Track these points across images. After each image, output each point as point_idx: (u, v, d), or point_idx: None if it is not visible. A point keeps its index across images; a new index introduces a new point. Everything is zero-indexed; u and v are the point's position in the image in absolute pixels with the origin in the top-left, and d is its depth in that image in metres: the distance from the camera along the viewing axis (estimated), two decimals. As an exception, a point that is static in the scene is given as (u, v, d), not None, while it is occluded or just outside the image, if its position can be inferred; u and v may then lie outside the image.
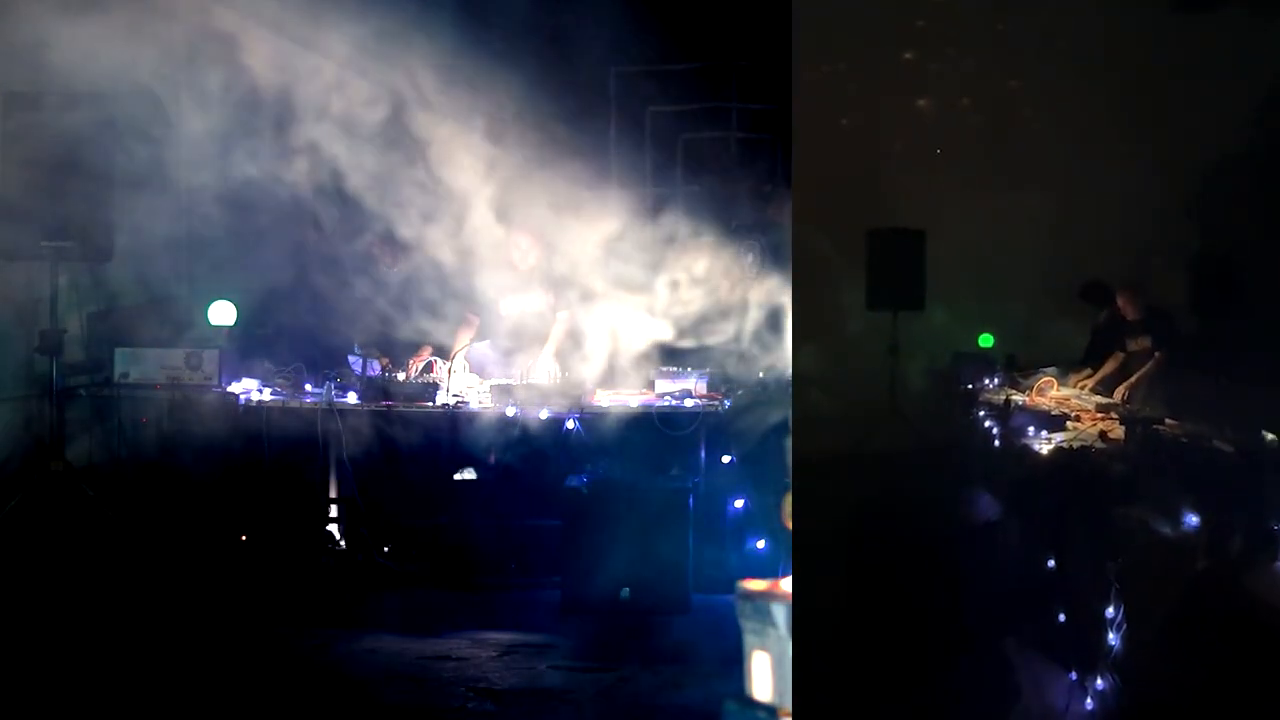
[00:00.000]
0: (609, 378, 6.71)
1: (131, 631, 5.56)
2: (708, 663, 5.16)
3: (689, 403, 6.52)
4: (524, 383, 6.60)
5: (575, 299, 6.82)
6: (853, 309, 6.99)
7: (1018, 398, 6.71)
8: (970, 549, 5.64)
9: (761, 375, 6.56)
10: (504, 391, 6.55)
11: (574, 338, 6.79)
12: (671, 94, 7.94)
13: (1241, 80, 6.50)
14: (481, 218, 6.69)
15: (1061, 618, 4.83)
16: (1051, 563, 5.03)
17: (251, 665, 5.26)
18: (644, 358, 6.70)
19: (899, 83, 7.44)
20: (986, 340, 7.58)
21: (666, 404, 6.53)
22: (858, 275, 7.00)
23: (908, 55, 7.35)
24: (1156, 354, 6.64)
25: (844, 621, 4.74)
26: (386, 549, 6.59)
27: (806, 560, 4.78)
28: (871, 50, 7.07)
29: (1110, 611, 4.21)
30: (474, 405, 6.58)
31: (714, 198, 7.70)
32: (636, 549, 5.94)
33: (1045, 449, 5.60)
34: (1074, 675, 4.56)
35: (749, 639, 2.35)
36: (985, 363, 7.41)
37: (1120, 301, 6.83)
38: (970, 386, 7.26)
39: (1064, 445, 5.52)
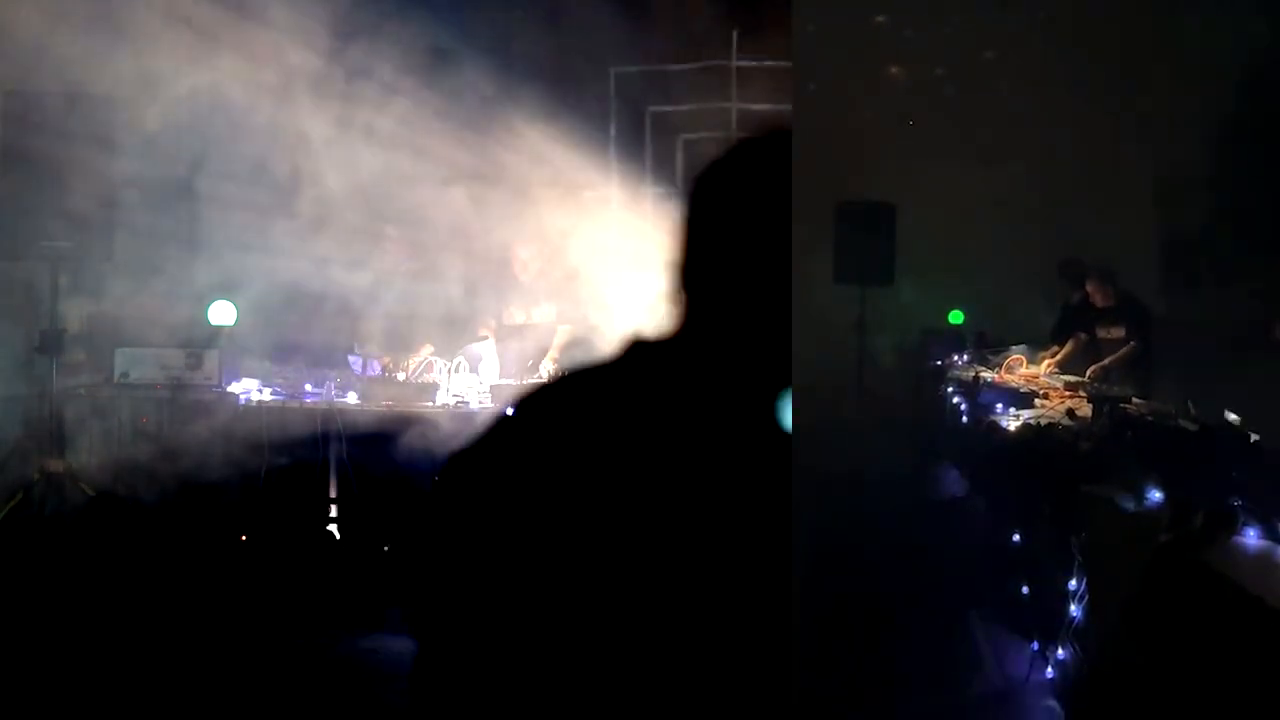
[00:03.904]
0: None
1: (131, 632, 5.56)
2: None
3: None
4: (524, 383, 6.59)
5: (578, 309, 6.82)
6: (822, 284, 6.98)
7: (987, 375, 6.72)
8: (940, 527, 5.67)
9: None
10: (504, 391, 6.55)
11: (577, 347, 6.80)
12: (671, 94, 7.93)
13: (1217, 62, 6.51)
14: (482, 223, 6.69)
15: (1025, 590, 4.87)
16: (1017, 537, 5.08)
17: (252, 666, 5.26)
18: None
19: (869, 49, 7.39)
20: (956, 317, 7.57)
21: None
22: (825, 249, 6.97)
23: (880, 20, 7.31)
24: (1131, 343, 6.64)
25: (844, 620, 4.75)
26: (386, 549, 6.58)
27: (806, 557, 4.79)
28: (841, 15, 7.00)
29: (1073, 584, 4.26)
30: (474, 405, 6.58)
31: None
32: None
33: (1013, 425, 5.63)
34: (1035, 645, 4.61)
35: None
36: (955, 339, 7.41)
37: (1090, 288, 6.82)
38: (939, 363, 7.27)
39: (1031, 422, 5.54)
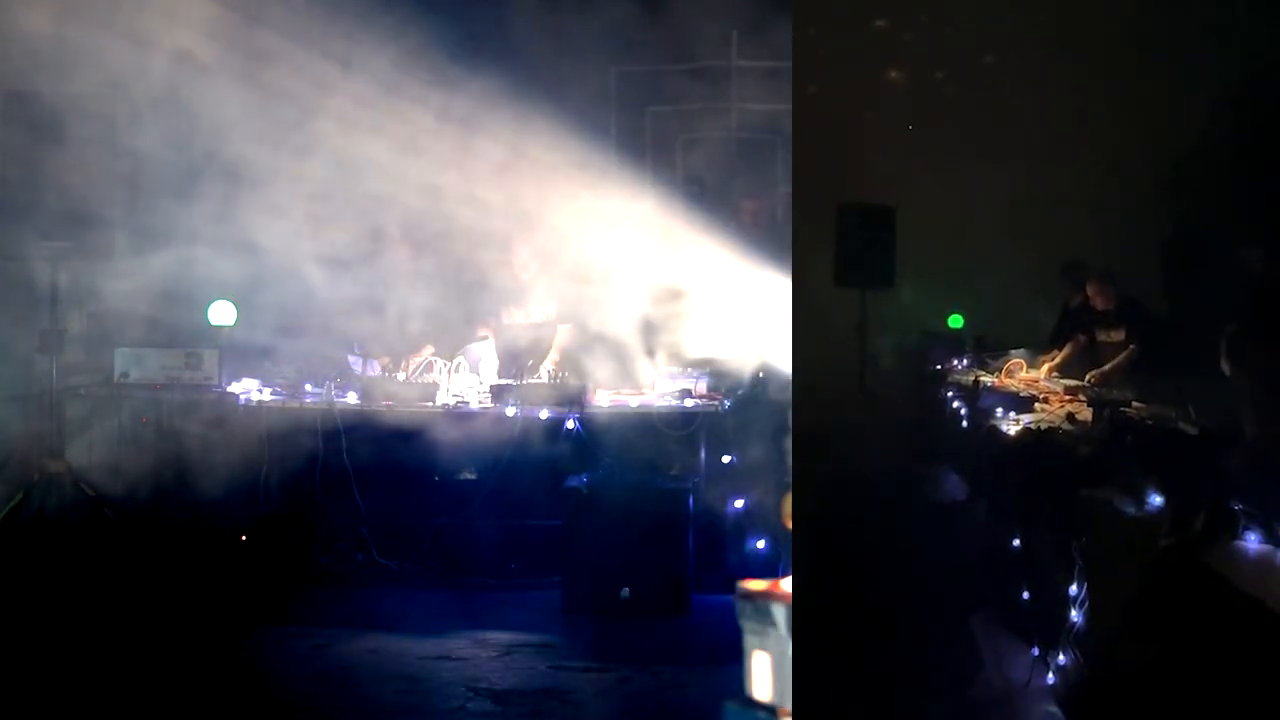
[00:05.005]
0: (609, 378, 6.71)
1: (131, 632, 5.56)
2: (708, 663, 5.16)
3: (689, 403, 6.52)
4: (524, 383, 6.60)
5: (578, 309, 6.83)
6: (823, 286, 6.98)
7: (987, 379, 6.73)
8: (942, 531, 5.68)
9: (761, 375, 6.56)
10: (504, 392, 6.55)
11: (575, 347, 6.81)
12: (671, 94, 7.93)
13: (1219, 64, 6.51)
14: (483, 223, 6.69)
15: (1025, 595, 4.87)
16: (1017, 541, 5.07)
17: (252, 665, 5.26)
18: (643, 359, 6.71)
19: (870, 50, 7.40)
20: (956, 321, 7.59)
21: (666, 404, 6.53)
22: (826, 251, 6.99)
23: (880, 23, 7.32)
24: (1131, 346, 6.64)
25: (844, 621, 4.75)
26: (386, 549, 6.58)
27: (806, 557, 4.80)
28: (840, 16, 7.01)
29: (1074, 589, 4.26)
30: (474, 405, 6.58)
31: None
32: (636, 549, 5.94)
33: (1013, 430, 5.63)
34: (1036, 650, 4.61)
35: (749, 639, 2.35)
36: (954, 343, 7.42)
37: (1090, 291, 6.82)
38: (939, 367, 7.28)
39: (1031, 426, 5.55)
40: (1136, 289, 6.81)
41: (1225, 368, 4.70)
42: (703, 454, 6.44)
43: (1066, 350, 6.97)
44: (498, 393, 6.58)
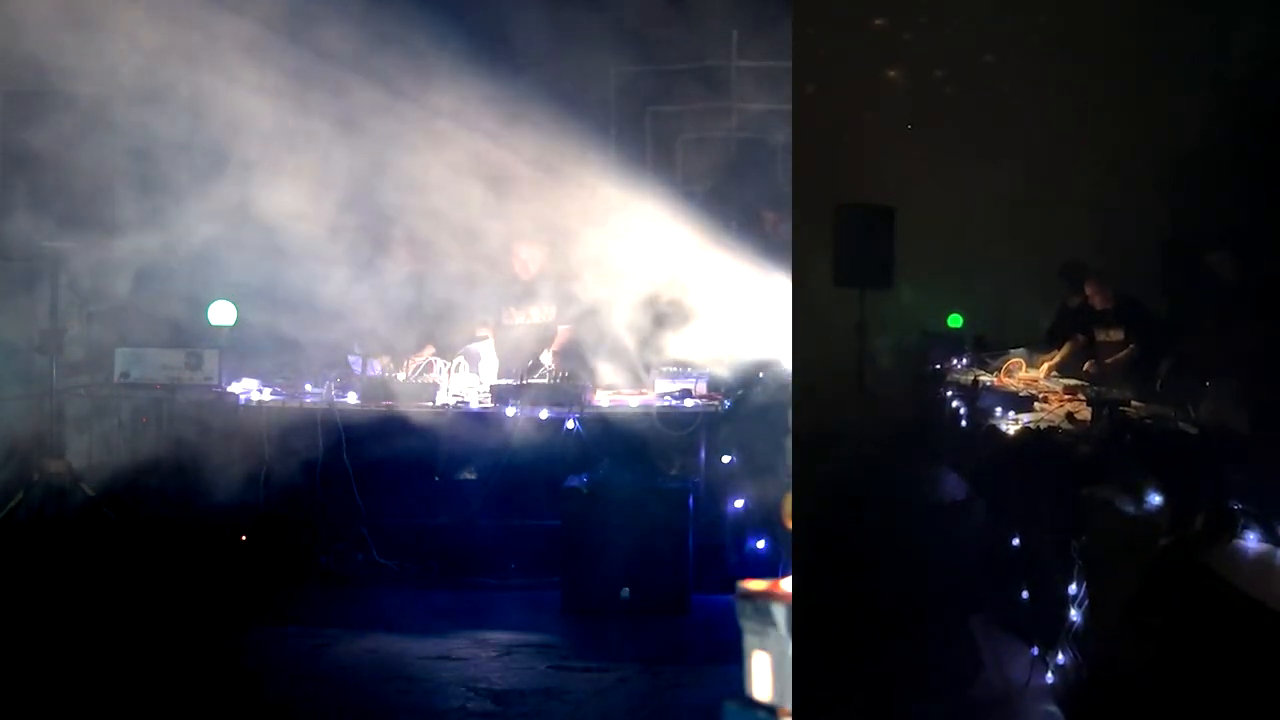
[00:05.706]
0: (609, 378, 6.71)
1: (131, 632, 5.56)
2: (708, 663, 5.16)
3: (689, 403, 6.52)
4: (524, 383, 6.60)
5: (578, 309, 6.83)
6: (823, 286, 6.98)
7: (986, 378, 6.73)
8: (942, 530, 5.69)
9: (761, 375, 6.56)
10: (504, 391, 6.55)
11: (575, 348, 6.81)
12: (671, 94, 7.94)
13: (1218, 62, 6.51)
14: (483, 223, 6.69)
15: (1025, 594, 4.87)
16: (1016, 541, 5.07)
17: (252, 665, 5.26)
18: (643, 358, 6.72)
19: (869, 50, 7.40)
20: (956, 320, 7.59)
21: (666, 404, 6.53)
22: (826, 252, 6.99)
23: (879, 22, 7.32)
24: (1130, 345, 6.64)
25: (844, 621, 4.76)
26: (386, 549, 6.59)
27: (806, 557, 4.80)
28: (840, 16, 7.01)
29: (1073, 589, 4.26)
30: (474, 405, 6.58)
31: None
32: (636, 549, 5.94)
33: (1012, 429, 5.63)
34: (1035, 650, 4.61)
35: (749, 639, 2.35)
36: (954, 342, 7.43)
37: (1089, 290, 6.83)
38: (938, 366, 7.29)
39: (1031, 425, 5.55)
40: (1136, 289, 6.82)
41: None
42: (703, 454, 6.44)
43: (1065, 350, 6.98)
44: (498, 393, 6.58)
